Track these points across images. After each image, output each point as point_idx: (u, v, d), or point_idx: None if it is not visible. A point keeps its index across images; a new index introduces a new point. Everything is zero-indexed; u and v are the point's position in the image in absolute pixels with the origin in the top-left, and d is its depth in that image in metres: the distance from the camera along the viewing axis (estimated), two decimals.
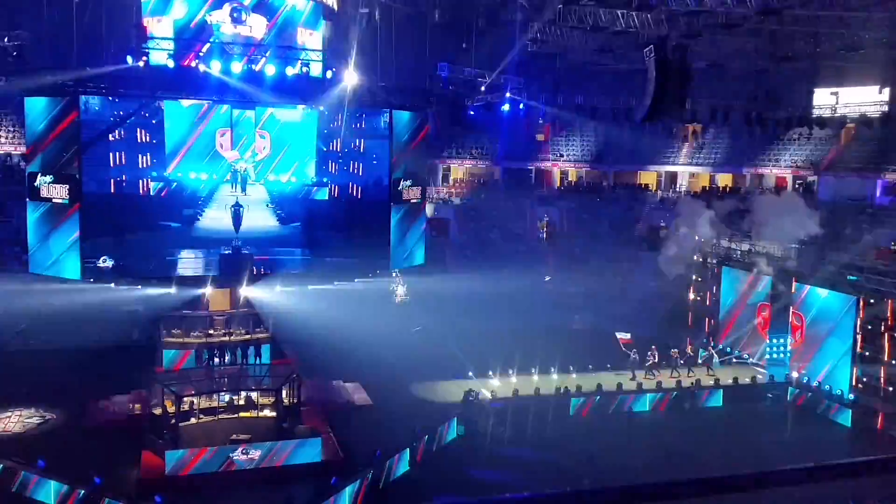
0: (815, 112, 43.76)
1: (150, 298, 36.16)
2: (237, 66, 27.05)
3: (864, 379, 27.64)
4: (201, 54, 27.65)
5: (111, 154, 27.38)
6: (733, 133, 49.42)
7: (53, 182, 26.57)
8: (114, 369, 29.36)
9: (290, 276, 29.83)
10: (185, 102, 28.16)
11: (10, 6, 35.02)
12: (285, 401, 23.96)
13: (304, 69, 28.43)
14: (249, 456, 21.73)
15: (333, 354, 31.96)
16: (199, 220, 28.93)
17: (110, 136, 27.40)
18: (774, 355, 30.96)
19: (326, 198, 30.16)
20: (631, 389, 28.85)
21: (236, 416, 24.24)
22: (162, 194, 28.30)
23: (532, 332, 35.71)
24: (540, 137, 53.47)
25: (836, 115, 43.28)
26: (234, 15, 28.16)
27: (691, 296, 36.48)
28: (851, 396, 27.74)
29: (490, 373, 29.65)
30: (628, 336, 31.82)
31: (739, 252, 34.16)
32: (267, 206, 29.48)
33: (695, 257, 35.90)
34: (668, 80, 23.97)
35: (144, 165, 28.00)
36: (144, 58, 27.03)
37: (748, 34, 35.75)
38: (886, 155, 44.16)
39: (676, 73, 24.14)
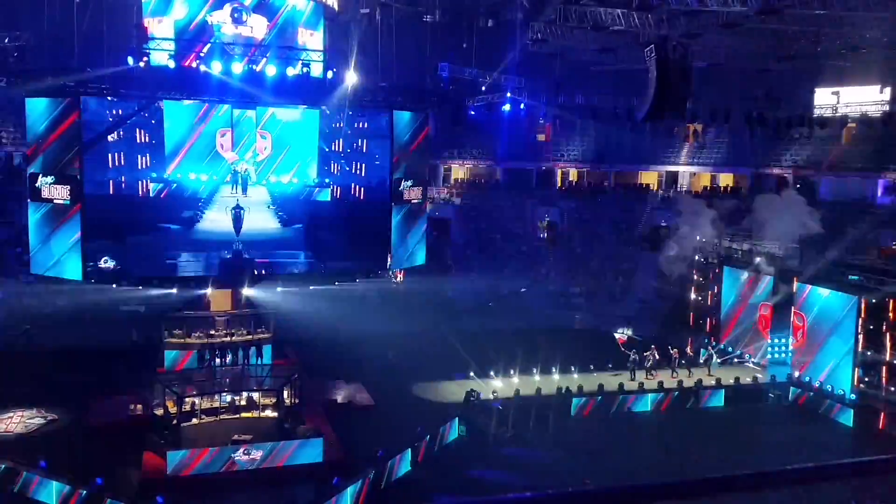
0: (816, 112, 43.77)
1: (152, 299, 36.31)
2: (238, 67, 27.04)
3: (866, 379, 27.60)
4: (202, 55, 27.66)
5: (111, 155, 27.18)
6: (734, 133, 49.40)
7: (55, 183, 26.55)
8: (115, 370, 29.38)
9: (291, 277, 29.87)
10: (185, 102, 28.04)
11: (12, 7, 35.06)
12: (287, 401, 23.96)
13: (305, 69, 28.42)
14: (251, 456, 21.74)
15: (335, 354, 32.03)
16: (199, 222, 28.63)
17: (110, 136, 27.20)
18: (776, 355, 30.93)
19: (328, 199, 29.97)
20: (632, 390, 28.82)
21: (238, 416, 24.25)
22: (161, 195, 28.04)
23: (533, 331, 35.76)
24: (541, 137, 53.46)
25: (837, 114, 43.28)
26: (235, 15, 28.16)
27: (693, 296, 36.46)
28: (853, 396, 27.72)
29: (491, 373, 29.65)
30: (626, 336, 31.78)
31: (741, 252, 34.14)
32: (268, 207, 29.27)
33: (696, 257, 35.90)
34: (668, 80, 23.89)
35: (144, 166, 27.73)
36: (145, 58, 27.03)
37: (749, 34, 35.70)
38: (887, 154, 44.15)
39: (677, 73, 24.06)
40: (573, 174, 55.47)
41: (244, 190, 28.67)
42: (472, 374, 29.82)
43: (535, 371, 30.02)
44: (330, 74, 29.25)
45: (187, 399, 23.38)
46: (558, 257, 46.09)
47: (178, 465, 21.18)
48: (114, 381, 27.98)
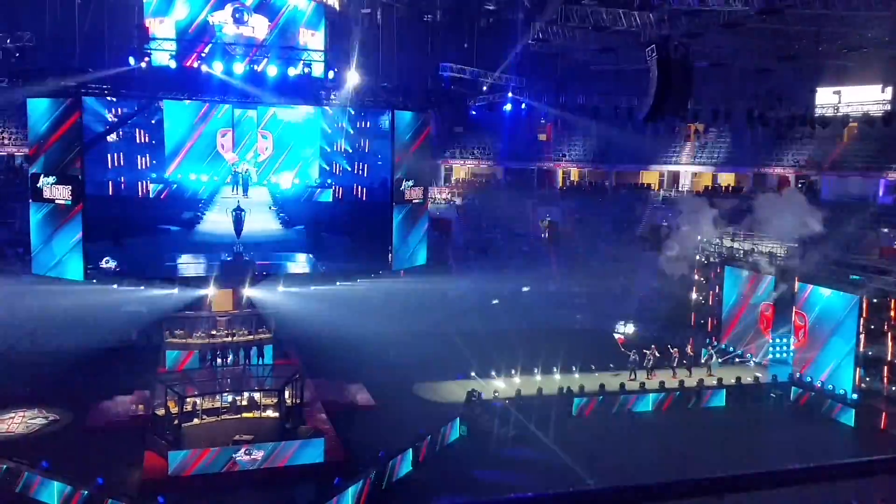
0: (818, 111, 43.61)
1: (153, 299, 36.31)
2: (239, 67, 27.10)
3: (868, 378, 27.56)
4: (203, 55, 27.68)
5: (111, 155, 27.11)
6: (735, 132, 49.37)
7: (56, 183, 26.59)
8: (117, 370, 29.42)
9: (292, 277, 29.85)
10: (186, 102, 28.00)
11: (13, 8, 35.10)
12: (288, 401, 23.96)
13: (306, 70, 28.45)
14: (252, 456, 21.76)
15: (336, 354, 32.02)
16: (199, 223, 28.57)
17: (111, 136, 27.17)
18: (777, 355, 30.90)
19: (330, 200, 29.84)
20: (634, 389, 28.81)
21: (239, 416, 24.25)
22: (161, 196, 27.95)
23: (534, 331, 35.75)
24: (542, 137, 53.47)
25: (839, 114, 43.13)
26: (236, 16, 28.19)
27: (694, 295, 36.43)
28: (855, 396, 27.69)
29: (493, 373, 29.65)
30: (628, 333, 31.74)
31: (742, 252, 34.11)
32: (269, 208, 29.16)
33: (697, 257, 35.87)
34: (670, 80, 23.84)
35: (143, 167, 27.62)
36: (147, 59, 27.08)
37: (750, 33, 35.65)
38: (889, 154, 44.11)
39: (678, 73, 24.02)
40: (574, 174, 55.45)
41: (245, 191, 28.59)
42: (473, 374, 29.83)
43: (536, 371, 30.01)
44: (331, 75, 29.29)
45: (189, 399, 23.39)
46: (559, 257, 46.04)
47: (180, 465, 21.21)
48: (115, 382, 27.99)
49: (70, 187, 26.45)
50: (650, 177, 54.75)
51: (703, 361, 32.25)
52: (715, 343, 33.62)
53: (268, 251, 29.18)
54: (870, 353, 27.46)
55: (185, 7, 27.92)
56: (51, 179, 26.65)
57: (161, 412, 23.47)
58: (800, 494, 22.60)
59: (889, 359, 26.91)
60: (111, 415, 25.47)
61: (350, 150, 29.99)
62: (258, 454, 21.81)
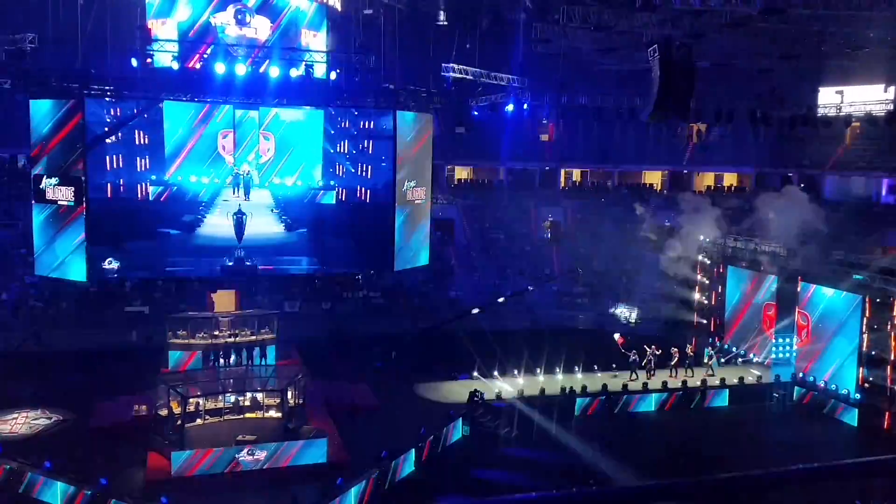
0: (820, 111, 43.68)
1: (155, 300, 36.41)
2: (241, 68, 27.10)
3: (871, 378, 27.51)
4: (205, 56, 27.69)
5: (109, 157, 26.75)
6: (738, 132, 49.32)
7: (59, 184, 26.60)
8: (120, 370, 29.46)
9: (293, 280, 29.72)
10: (186, 103, 27.81)
11: (15, 8, 35.15)
12: (291, 402, 23.98)
13: (309, 70, 28.44)
14: (255, 457, 21.79)
15: (338, 354, 32.08)
16: (199, 226, 28.07)
17: (111, 138, 26.85)
18: (780, 355, 30.87)
19: (333, 202, 29.44)
20: (636, 390, 28.79)
21: (242, 417, 24.29)
22: (161, 199, 27.50)
23: (536, 332, 35.76)
24: (544, 137, 53.36)
25: (841, 113, 43.17)
26: (239, 17, 28.19)
27: (696, 296, 36.40)
28: (858, 396, 27.64)
29: (495, 373, 29.65)
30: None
31: (745, 252, 34.08)
32: (271, 211, 28.70)
33: (700, 257, 35.86)
34: (672, 80, 23.88)
35: (143, 169, 27.18)
36: (149, 60, 27.09)
37: (752, 33, 35.61)
38: (892, 154, 44.10)
39: (681, 73, 24.05)
40: (576, 174, 55.48)
41: (246, 193, 28.24)
42: (475, 374, 29.84)
43: (538, 371, 30.01)
44: (333, 75, 29.27)
45: (191, 400, 23.39)
46: (562, 257, 46.06)
47: (183, 465, 21.25)
48: (118, 382, 28.03)
49: (72, 188, 26.43)
50: (652, 177, 54.79)
51: (704, 361, 32.22)
52: (718, 343, 33.60)
53: (270, 255, 28.82)
54: (873, 352, 27.43)
55: (188, 8, 27.91)
56: (53, 180, 26.66)
57: (164, 413, 23.49)
58: (804, 494, 22.61)
59: (892, 358, 26.85)
60: (114, 415, 25.47)
61: (354, 152, 29.61)
62: (261, 454, 21.85)
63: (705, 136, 52.28)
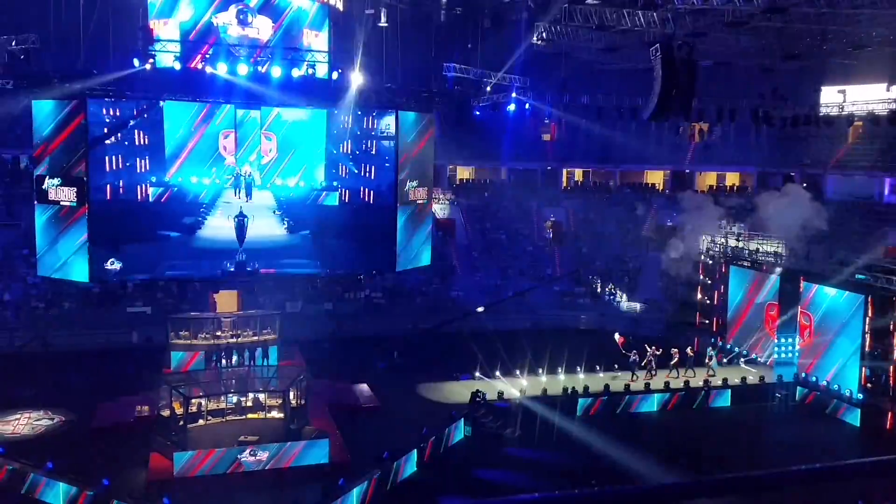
0: (823, 110, 43.59)
1: (157, 300, 36.43)
2: (243, 68, 27.11)
3: (873, 378, 27.49)
4: (207, 56, 27.69)
5: (109, 158, 26.63)
6: (740, 131, 49.31)
7: (61, 185, 26.63)
8: (122, 371, 29.49)
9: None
10: (187, 103, 27.74)
11: (18, 9, 35.19)
12: (293, 402, 23.99)
13: (310, 70, 28.44)
14: (257, 457, 21.79)
15: (340, 355, 32.07)
16: (200, 228, 27.89)
17: (112, 138, 26.72)
18: (783, 355, 30.82)
19: (336, 203, 29.30)
20: (638, 390, 28.75)
21: (244, 417, 24.28)
22: (161, 200, 27.33)
23: (537, 332, 35.74)
24: (546, 137, 53.35)
25: (844, 112, 43.08)
26: (241, 17, 28.20)
27: (699, 296, 36.37)
28: (860, 396, 27.60)
29: (497, 373, 29.64)
30: (622, 336, 31.73)
31: (747, 251, 34.06)
32: (273, 212, 28.52)
33: (702, 257, 35.82)
34: (674, 79, 23.89)
35: (143, 170, 27.00)
36: (151, 60, 27.10)
37: (755, 32, 35.58)
38: (894, 153, 44.00)
39: (683, 72, 24.06)
40: (578, 174, 55.45)
41: (248, 194, 28.10)
42: (477, 374, 29.82)
43: (540, 371, 29.99)
44: (335, 75, 29.26)
45: (194, 400, 23.40)
46: (564, 257, 46.05)
47: (185, 466, 21.25)
48: (120, 383, 28.06)
49: (75, 189, 26.45)
50: (654, 176, 54.75)
51: (705, 362, 32.17)
52: (719, 343, 33.56)
53: (272, 258, 28.64)
54: (875, 352, 27.38)
55: (190, 8, 27.92)
56: (56, 181, 26.69)
57: (166, 413, 23.51)
58: (806, 495, 22.48)
59: (895, 358, 26.82)
60: (116, 416, 25.49)
61: (357, 152, 29.47)
62: (263, 455, 21.85)
63: (707, 136, 52.27)
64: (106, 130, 26.70)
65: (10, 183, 41.76)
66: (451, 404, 27.47)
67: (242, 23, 28.22)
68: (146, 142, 27.11)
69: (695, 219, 35.49)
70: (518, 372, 29.76)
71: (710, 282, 35.83)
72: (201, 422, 23.60)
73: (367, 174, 29.62)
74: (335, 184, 29.36)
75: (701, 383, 29.51)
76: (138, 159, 27.07)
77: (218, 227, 28.03)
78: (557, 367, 30.27)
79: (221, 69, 26.84)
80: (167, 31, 27.93)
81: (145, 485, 20.93)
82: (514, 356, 30.52)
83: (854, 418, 27.38)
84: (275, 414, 24.23)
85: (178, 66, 27.22)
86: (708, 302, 35.96)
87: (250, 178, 28.14)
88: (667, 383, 29.26)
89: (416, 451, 22.57)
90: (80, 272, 27.07)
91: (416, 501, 21.12)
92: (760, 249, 33.26)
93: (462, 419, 25.25)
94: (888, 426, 26.51)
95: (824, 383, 29.08)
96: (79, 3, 29.61)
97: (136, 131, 27.00)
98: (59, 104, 26.39)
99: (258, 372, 27.13)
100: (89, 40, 30.00)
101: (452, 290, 42.19)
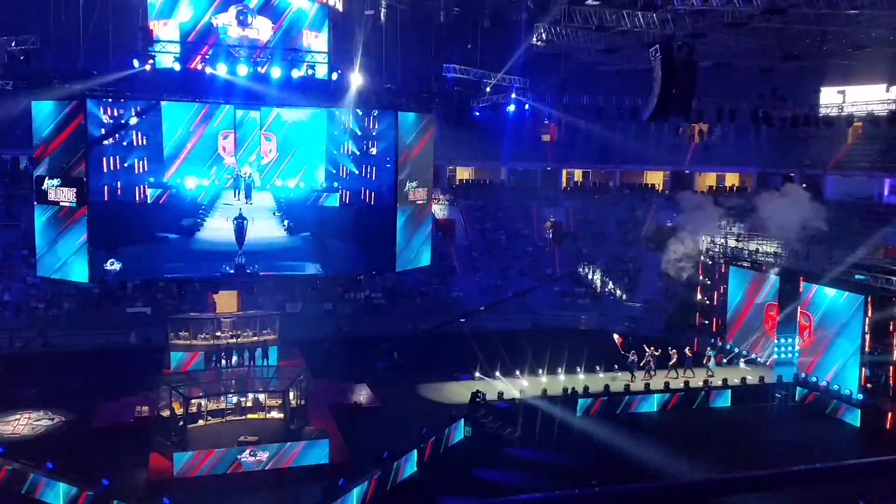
0: (822, 111, 43.62)
1: (157, 301, 36.44)
2: (243, 69, 27.09)
3: (873, 379, 27.50)
4: (207, 57, 27.67)
5: (106, 159, 26.52)
6: (740, 132, 49.28)
7: (61, 185, 26.61)
8: (121, 371, 29.48)
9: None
10: (186, 104, 27.66)
11: (17, 10, 35.18)
12: (293, 402, 23.99)
13: (310, 71, 28.42)
14: (257, 458, 21.79)
15: (340, 355, 32.06)
16: (199, 230, 27.72)
17: (111, 139, 26.62)
18: (782, 355, 30.83)
19: (337, 204, 29.16)
20: (638, 390, 28.76)
21: (244, 417, 24.29)
22: (160, 202, 27.17)
23: (538, 332, 35.73)
24: (546, 138, 53.37)
25: (843, 113, 43.11)
26: (240, 18, 28.19)
27: (699, 296, 36.38)
28: (860, 396, 27.60)
29: (497, 373, 29.64)
30: (620, 336, 31.75)
31: (747, 252, 34.07)
32: (273, 214, 28.36)
33: (702, 257, 35.83)
34: (673, 80, 23.87)
35: (141, 171, 26.85)
36: (151, 61, 27.08)
37: (754, 33, 35.59)
38: (894, 153, 44.01)
39: (682, 73, 24.04)
40: (578, 174, 55.45)
41: (248, 195, 27.99)
42: (477, 374, 29.83)
43: (540, 372, 30.00)
44: (335, 76, 29.24)
45: (193, 400, 23.42)
46: (564, 257, 46.06)
47: (185, 466, 21.26)
48: (120, 383, 28.05)
49: (74, 189, 26.42)
50: (654, 177, 54.76)
51: (703, 362, 32.18)
52: (719, 343, 33.56)
53: (272, 260, 28.49)
54: (875, 352, 27.40)
55: (189, 9, 27.90)
56: (55, 182, 26.67)
57: (166, 413, 23.51)
58: (807, 495, 22.51)
59: (894, 359, 26.83)
60: (116, 416, 25.49)
61: (357, 153, 29.36)
62: (263, 455, 21.85)
63: (707, 136, 52.24)
64: (105, 131, 26.65)
65: (9, 183, 41.76)
66: (452, 404, 27.48)
67: (242, 23, 28.21)
68: (144, 142, 26.96)
69: (692, 216, 35.48)
70: (518, 372, 29.78)
71: (709, 282, 35.84)
72: (201, 422, 23.61)
73: (368, 175, 29.51)
74: (335, 185, 29.24)
75: (700, 384, 29.53)
76: (136, 160, 26.94)
77: (217, 228, 27.90)
78: (557, 367, 30.30)
79: (221, 70, 26.82)
80: (167, 32, 27.92)
81: (145, 485, 20.94)
82: (514, 356, 30.53)
83: (854, 418, 27.39)
84: (275, 414, 24.24)
85: (177, 66, 27.20)
86: (708, 302, 35.96)
87: (250, 179, 28.02)
88: (667, 384, 29.28)
89: (416, 451, 22.57)
90: (79, 273, 27.06)
91: (416, 501, 21.13)
92: (760, 250, 33.27)
93: (462, 419, 25.25)
94: (888, 426, 26.52)
95: (824, 383, 29.09)
96: (79, 4, 29.60)
97: (134, 132, 26.88)
98: (58, 105, 26.36)
99: (258, 372, 27.14)
100: (89, 41, 29.99)
101: (452, 291, 42.22)
